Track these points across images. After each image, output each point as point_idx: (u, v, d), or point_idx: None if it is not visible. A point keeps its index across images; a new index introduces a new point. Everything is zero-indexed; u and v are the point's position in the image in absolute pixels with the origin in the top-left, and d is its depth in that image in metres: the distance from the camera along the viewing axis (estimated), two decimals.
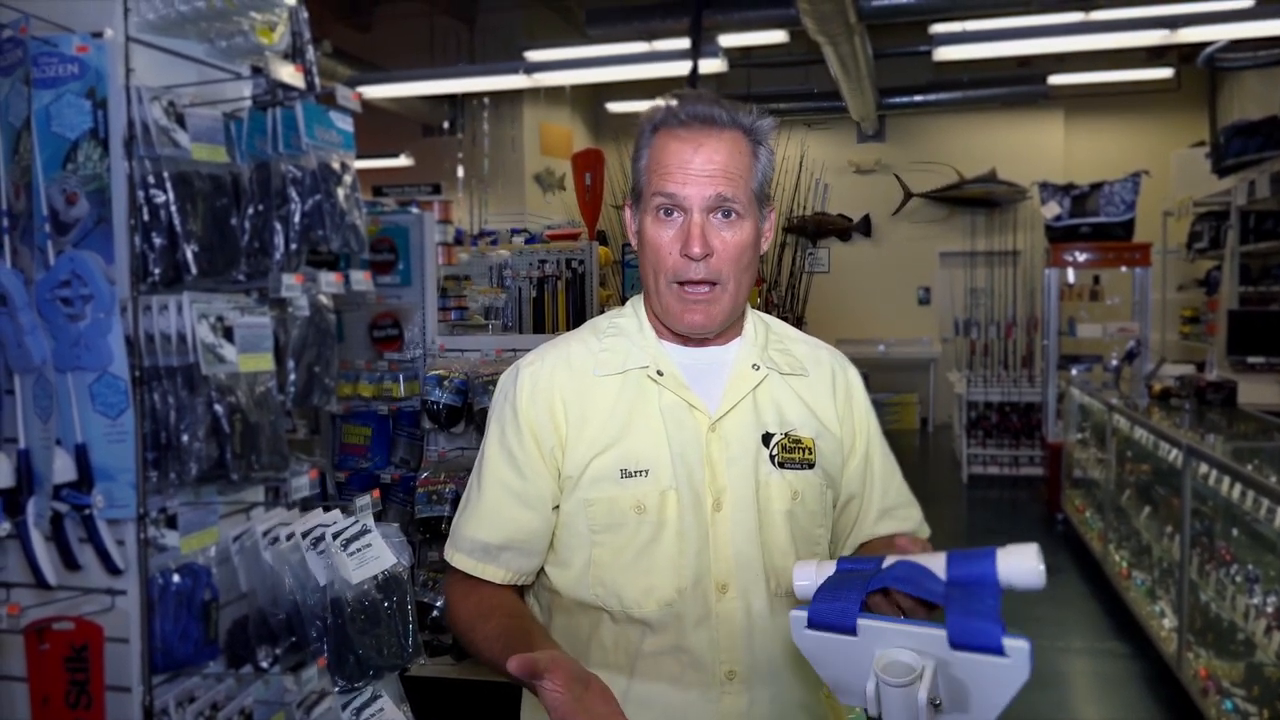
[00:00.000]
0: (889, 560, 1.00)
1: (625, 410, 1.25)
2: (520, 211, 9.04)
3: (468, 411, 3.61)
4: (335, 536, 1.75)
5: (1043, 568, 0.94)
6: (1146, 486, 4.77)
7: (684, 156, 1.21)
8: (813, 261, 10.01)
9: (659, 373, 1.27)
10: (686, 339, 1.30)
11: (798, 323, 8.20)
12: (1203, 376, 5.04)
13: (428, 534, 3.59)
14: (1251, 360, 5.95)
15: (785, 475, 1.27)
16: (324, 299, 1.89)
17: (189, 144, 1.67)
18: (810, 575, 1.01)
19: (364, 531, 1.80)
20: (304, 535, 1.77)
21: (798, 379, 1.33)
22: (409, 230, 3.83)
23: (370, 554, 1.79)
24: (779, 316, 6.07)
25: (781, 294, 7.86)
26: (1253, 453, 3.73)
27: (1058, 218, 6.46)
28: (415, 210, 3.96)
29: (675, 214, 1.23)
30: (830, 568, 1.01)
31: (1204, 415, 4.76)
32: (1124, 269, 6.58)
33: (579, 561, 1.24)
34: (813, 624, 0.95)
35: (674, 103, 1.25)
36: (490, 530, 1.26)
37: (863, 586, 0.96)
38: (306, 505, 1.88)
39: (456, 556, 1.30)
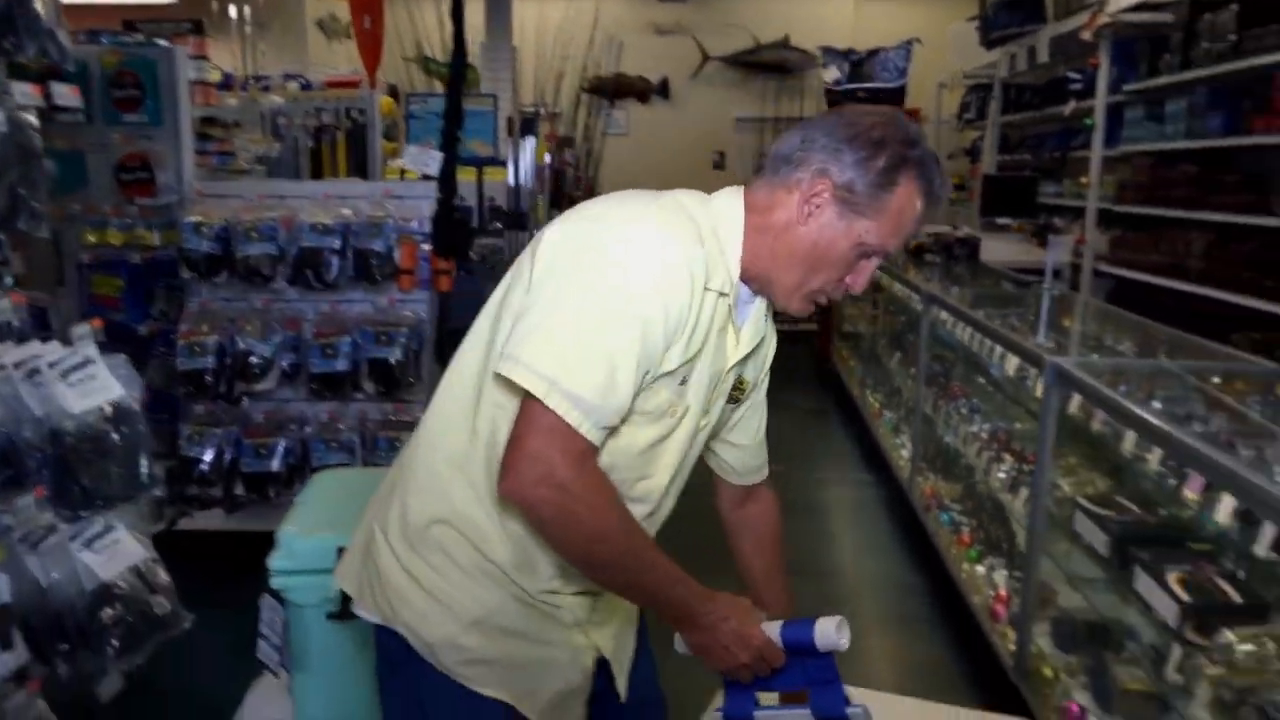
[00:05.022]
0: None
1: (705, 327, 1.23)
2: (302, 61, 8.46)
3: (230, 260, 3.47)
4: (52, 366, 1.69)
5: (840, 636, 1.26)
6: (900, 334, 5.21)
7: (914, 227, 1.26)
8: (610, 123, 9.97)
9: (729, 306, 1.27)
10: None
11: (591, 184, 8.23)
12: (952, 234, 5.47)
13: (192, 387, 3.48)
14: (1001, 221, 6.49)
15: (726, 409, 1.39)
16: (28, 116, 1.75)
17: None
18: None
19: (86, 362, 1.74)
20: (16, 366, 1.69)
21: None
22: (156, 65, 3.56)
23: (94, 385, 1.74)
24: (573, 177, 5.99)
25: (577, 154, 7.82)
26: (985, 299, 4.13)
27: (837, 81, 6.70)
28: (164, 43, 3.66)
29: (870, 258, 1.26)
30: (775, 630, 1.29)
31: (950, 269, 5.20)
32: None
33: None
34: (727, 718, 1.32)
35: (934, 163, 1.24)
36: (615, 413, 1.15)
37: (760, 686, 1.30)
38: (22, 338, 1.79)
39: (589, 428, 1.12)
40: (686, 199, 1.27)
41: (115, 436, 1.75)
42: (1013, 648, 2.76)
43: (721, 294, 1.23)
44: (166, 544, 3.50)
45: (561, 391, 1.09)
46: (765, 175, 1.28)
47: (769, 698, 1.33)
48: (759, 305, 1.33)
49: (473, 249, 4.02)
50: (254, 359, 3.46)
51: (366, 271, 3.48)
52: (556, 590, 1.27)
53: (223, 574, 2.81)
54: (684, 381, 1.23)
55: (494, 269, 4.33)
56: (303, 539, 1.66)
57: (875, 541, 4.19)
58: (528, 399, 1.11)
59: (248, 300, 3.55)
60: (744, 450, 1.49)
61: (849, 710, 1.27)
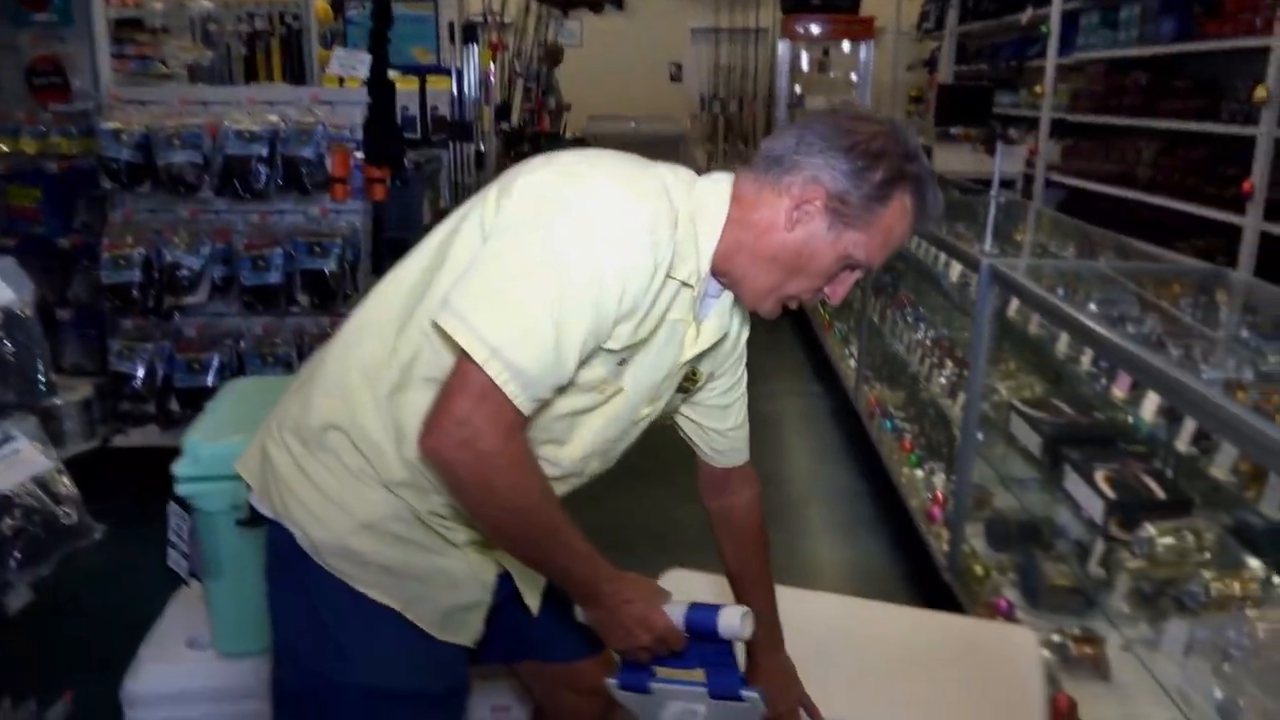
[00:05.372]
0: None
1: (660, 314, 1.17)
2: None
3: (152, 169, 3.33)
4: None
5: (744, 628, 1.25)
6: None
7: (901, 244, 1.22)
8: (564, 34, 9.69)
9: (694, 299, 1.20)
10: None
11: (541, 95, 8.02)
12: None
13: (119, 301, 3.37)
14: (954, 131, 6.42)
15: (675, 397, 1.33)
16: None
17: None
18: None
19: None
20: None
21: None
22: None
23: None
24: (523, 89, 5.83)
25: (526, 64, 7.61)
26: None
27: None
28: None
29: (853, 270, 1.22)
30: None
31: None
32: (848, 46, 6.81)
33: None
34: (622, 687, 1.32)
35: (931, 179, 1.19)
36: (554, 387, 1.11)
37: (657, 662, 1.29)
38: None
39: (524, 400, 1.07)
40: (671, 179, 1.20)
41: (7, 343, 1.67)
42: (946, 547, 2.80)
43: (685, 284, 1.17)
44: (100, 461, 3.48)
45: (503, 361, 1.04)
46: (755, 170, 1.21)
47: (666, 670, 1.32)
48: (725, 300, 1.27)
49: (407, 157, 3.89)
50: (182, 272, 3.35)
51: (296, 180, 3.36)
52: (445, 517, 1.23)
53: (157, 490, 2.76)
54: (623, 363, 1.18)
55: (431, 178, 4.22)
56: (209, 445, 1.61)
57: (823, 449, 4.22)
58: (465, 358, 1.06)
59: (173, 211, 3.42)
60: (713, 434, 1.43)
61: (744, 693, 1.27)
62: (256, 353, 3.47)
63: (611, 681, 1.32)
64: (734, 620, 1.24)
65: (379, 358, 1.18)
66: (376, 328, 1.20)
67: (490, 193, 1.17)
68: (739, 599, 1.51)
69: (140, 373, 3.44)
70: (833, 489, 3.83)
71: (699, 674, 1.29)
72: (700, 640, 1.26)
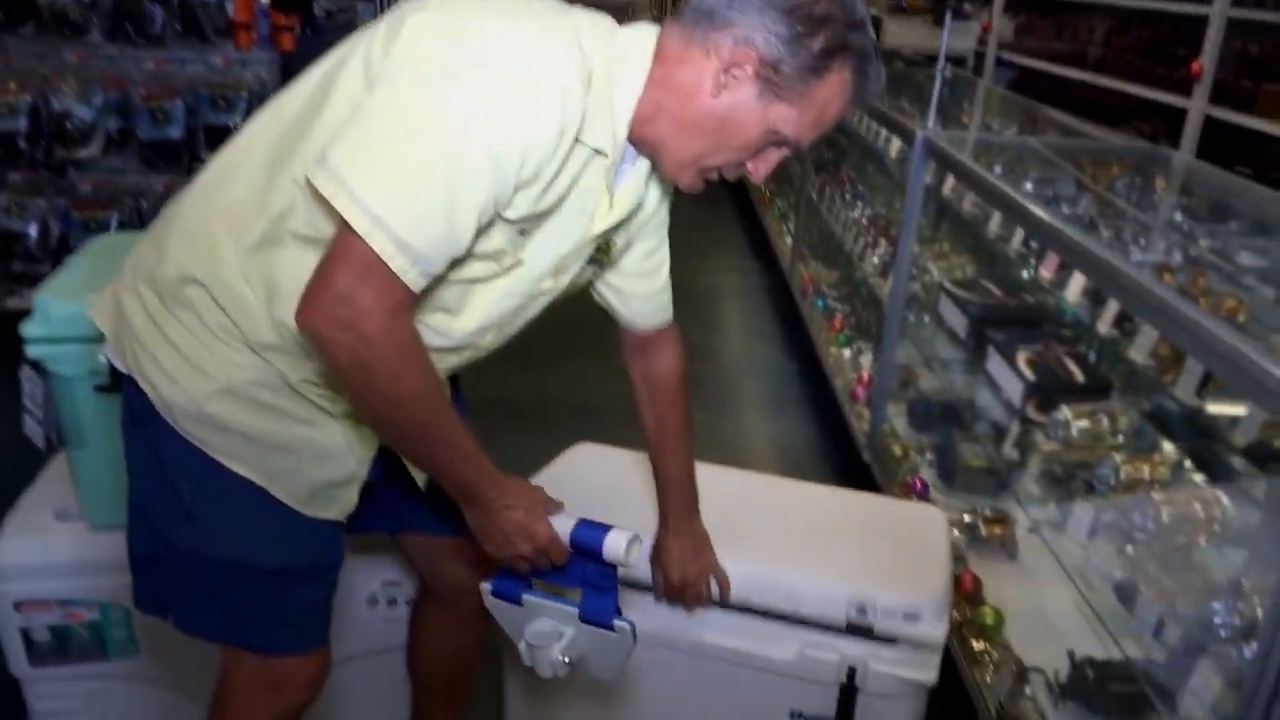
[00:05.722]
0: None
1: (566, 183, 1.06)
2: None
3: (34, 7, 3.05)
4: None
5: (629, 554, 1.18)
6: None
7: (834, 123, 1.11)
8: None
9: (608, 168, 1.09)
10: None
11: None
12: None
13: (3, 151, 3.14)
14: (904, 3, 6.19)
15: (586, 269, 1.23)
16: None
17: None
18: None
19: None
20: None
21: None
22: None
23: None
24: None
25: None
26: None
27: None
28: None
29: (780, 147, 1.11)
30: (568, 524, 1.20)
31: None
32: None
33: None
34: (494, 594, 1.26)
35: (872, 59, 1.06)
36: (445, 261, 1.01)
37: (536, 574, 1.24)
38: None
39: (413, 276, 0.97)
40: (588, 27, 1.06)
41: None
42: (867, 427, 2.78)
43: (598, 151, 1.06)
44: None
45: (387, 232, 0.93)
46: (683, 23, 1.07)
47: (543, 585, 1.27)
48: (641, 168, 1.16)
49: (317, 4, 3.62)
50: (73, 122, 3.11)
51: (195, 25, 3.11)
52: (319, 385, 1.13)
53: None
54: (524, 233, 1.08)
55: (346, 29, 3.95)
56: (62, 304, 1.46)
57: (755, 326, 4.17)
58: (345, 227, 0.94)
59: (60, 55, 3.16)
60: (634, 299, 1.33)
61: (615, 622, 1.21)
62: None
63: (485, 586, 1.26)
64: (619, 545, 1.17)
65: (246, 205, 1.06)
66: (245, 171, 1.07)
67: (379, 30, 1.02)
68: (656, 462, 1.45)
69: (33, 231, 3.24)
70: (762, 366, 3.79)
71: (577, 594, 1.23)
72: (584, 558, 1.19)
